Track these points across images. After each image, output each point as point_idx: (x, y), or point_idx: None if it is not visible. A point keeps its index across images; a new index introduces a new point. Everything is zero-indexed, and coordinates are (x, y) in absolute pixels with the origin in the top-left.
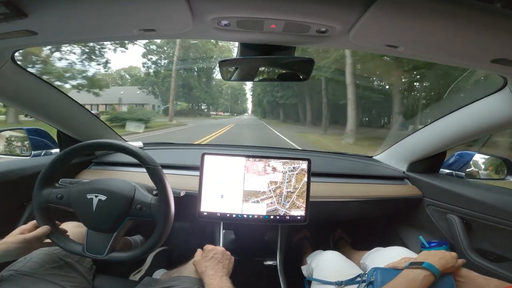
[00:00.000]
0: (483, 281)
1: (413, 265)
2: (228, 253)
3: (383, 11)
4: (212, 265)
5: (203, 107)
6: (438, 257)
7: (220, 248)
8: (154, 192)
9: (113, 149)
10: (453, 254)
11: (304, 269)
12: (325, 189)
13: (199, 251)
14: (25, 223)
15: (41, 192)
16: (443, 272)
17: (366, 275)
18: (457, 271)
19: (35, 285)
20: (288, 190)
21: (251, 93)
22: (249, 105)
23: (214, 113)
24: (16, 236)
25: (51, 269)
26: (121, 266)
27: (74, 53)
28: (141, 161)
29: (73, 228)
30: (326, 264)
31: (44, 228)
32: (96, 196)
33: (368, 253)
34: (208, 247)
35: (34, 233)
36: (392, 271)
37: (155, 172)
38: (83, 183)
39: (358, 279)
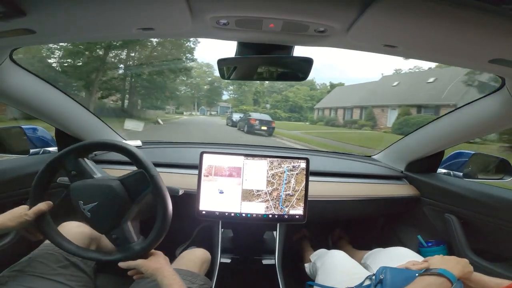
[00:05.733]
0: (494, 286)
1: (428, 271)
2: None
3: (382, 11)
4: (167, 265)
5: None
6: (454, 262)
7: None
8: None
9: (106, 149)
10: (465, 260)
11: (308, 267)
12: (324, 188)
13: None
14: None
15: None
16: (460, 279)
17: (374, 276)
18: (469, 276)
19: (42, 285)
20: (287, 193)
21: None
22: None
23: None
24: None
25: (57, 269)
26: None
27: None
28: (134, 161)
29: (73, 229)
30: (333, 264)
31: (46, 204)
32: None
33: (368, 253)
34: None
35: (33, 209)
36: (402, 270)
37: (149, 172)
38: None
39: (367, 282)
